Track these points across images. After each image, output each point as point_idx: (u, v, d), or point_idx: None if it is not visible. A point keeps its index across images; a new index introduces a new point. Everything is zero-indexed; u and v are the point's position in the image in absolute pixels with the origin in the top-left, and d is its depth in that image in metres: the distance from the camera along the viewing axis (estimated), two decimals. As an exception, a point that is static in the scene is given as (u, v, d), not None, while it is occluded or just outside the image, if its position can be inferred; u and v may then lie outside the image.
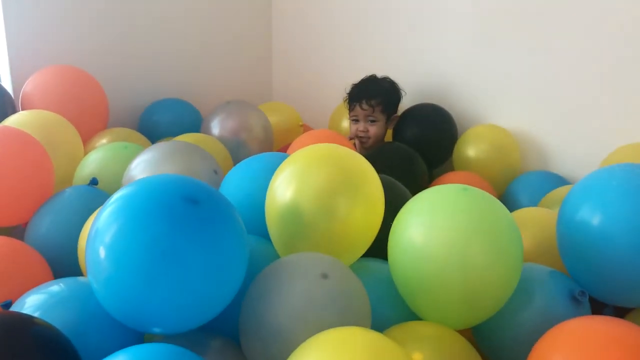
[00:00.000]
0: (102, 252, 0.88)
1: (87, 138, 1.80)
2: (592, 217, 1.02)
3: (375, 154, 1.72)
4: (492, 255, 0.96)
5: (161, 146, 1.43)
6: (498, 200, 1.03)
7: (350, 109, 1.96)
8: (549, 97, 1.81)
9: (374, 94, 1.91)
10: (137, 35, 2.19)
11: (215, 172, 1.41)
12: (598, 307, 1.09)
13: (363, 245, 1.11)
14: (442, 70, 2.08)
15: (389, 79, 1.99)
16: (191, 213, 0.88)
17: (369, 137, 1.92)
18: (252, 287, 0.98)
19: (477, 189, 1.02)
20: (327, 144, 1.14)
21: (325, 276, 0.93)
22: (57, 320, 0.93)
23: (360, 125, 1.93)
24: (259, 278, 0.98)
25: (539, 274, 1.08)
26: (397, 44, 2.19)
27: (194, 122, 2.13)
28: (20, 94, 1.80)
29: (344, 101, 1.99)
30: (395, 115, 1.97)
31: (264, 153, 1.42)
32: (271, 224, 1.10)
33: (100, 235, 0.88)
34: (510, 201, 1.76)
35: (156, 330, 0.94)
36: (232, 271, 0.93)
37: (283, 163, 1.11)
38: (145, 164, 1.36)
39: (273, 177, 1.11)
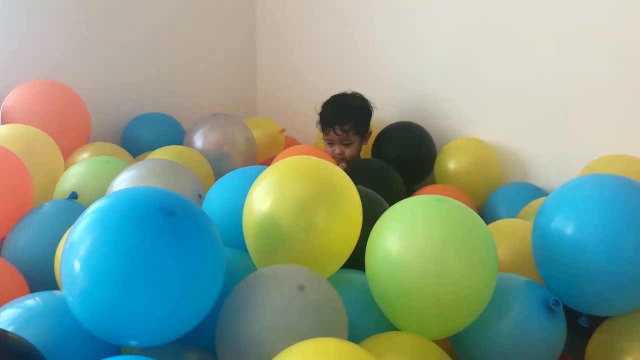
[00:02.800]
0: (76, 265, 0.87)
1: (69, 153, 1.79)
2: (565, 226, 1.04)
3: (349, 171, 1.73)
4: (467, 265, 0.97)
5: (147, 163, 1.43)
6: (473, 211, 1.04)
7: (325, 133, 1.95)
8: (527, 109, 1.84)
9: (346, 118, 1.91)
10: (119, 49, 2.20)
11: (200, 196, 1.40)
12: (573, 316, 1.10)
13: (341, 257, 1.11)
14: (420, 86, 2.11)
15: (359, 95, 1.99)
16: (167, 225, 0.88)
17: (344, 158, 1.93)
18: (229, 299, 0.98)
19: (452, 199, 1.03)
20: (304, 156, 1.15)
21: (301, 288, 0.93)
22: (31, 334, 0.92)
23: (336, 148, 1.93)
24: (235, 290, 0.98)
25: (514, 284, 1.09)
26: (377, 62, 2.22)
27: (177, 136, 2.13)
28: (1, 108, 1.79)
29: (317, 124, 1.98)
30: (369, 131, 1.97)
31: (247, 167, 1.42)
32: (248, 236, 1.10)
33: (74, 248, 0.88)
34: (490, 213, 1.77)
35: (132, 343, 0.94)
36: (209, 283, 0.93)
37: (261, 175, 1.12)
38: (129, 181, 1.35)
39: (250, 189, 1.11)
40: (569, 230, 1.03)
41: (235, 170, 1.37)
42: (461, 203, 1.03)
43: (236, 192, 1.25)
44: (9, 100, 1.79)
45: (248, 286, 0.97)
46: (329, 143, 1.96)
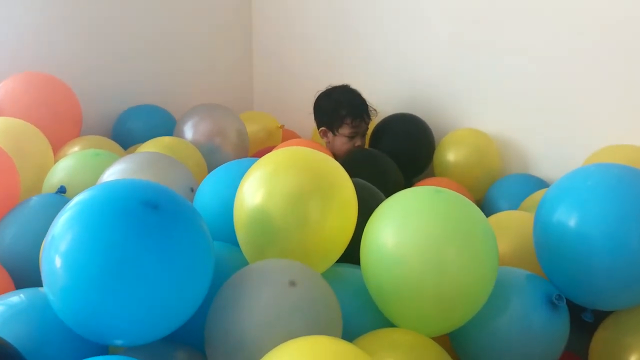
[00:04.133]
0: (57, 261, 0.84)
1: (60, 146, 1.76)
2: (568, 218, 1.00)
3: (344, 161, 1.69)
4: (466, 259, 0.93)
5: (138, 157, 1.39)
6: (472, 203, 1.00)
7: (353, 125, 1.83)
8: (528, 99, 1.80)
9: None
10: (112, 41, 2.15)
11: (192, 189, 1.36)
12: (576, 311, 1.06)
13: (336, 251, 1.08)
14: (419, 77, 2.07)
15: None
16: (150, 218, 0.84)
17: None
18: (218, 295, 0.94)
19: (450, 191, 1.00)
20: (297, 147, 1.11)
21: (293, 283, 0.89)
22: (14, 332, 0.89)
23: (358, 140, 1.85)
24: (225, 286, 0.95)
25: (516, 278, 1.05)
26: (375, 52, 2.18)
27: (170, 129, 2.07)
28: (-9, 101, 1.76)
29: (332, 118, 1.87)
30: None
31: (240, 159, 1.38)
32: (239, 230, 1.06)
33: (55, 243, 0.85)
34: (490, 205, 1.74)
35: (118, 342, 0.90)
36: (196, 279, 0.89)
37: (252, 167, 1.08)
38: (119, 175, 1.32)
39: (242, 182, 1.07)
40: (572, 221, 0.99)
41: (228, 162, 1.33)
42: (460, 195, 0.99)
43: (229, 185, 1.21)
44: (-1, 92, 1.75)
45: (238, 282, 0.93)
46: (350, 136, 1.84)
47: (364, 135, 1.88)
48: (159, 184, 0.92)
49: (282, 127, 2.21)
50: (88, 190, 0.90)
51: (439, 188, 1.00)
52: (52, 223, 0.88)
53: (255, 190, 1.03)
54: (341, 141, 1.86)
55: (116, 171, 1.32)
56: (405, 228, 0.96)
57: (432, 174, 1.97)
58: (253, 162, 1.24)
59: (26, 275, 1.22)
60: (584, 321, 1.05)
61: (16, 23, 1.90)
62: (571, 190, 1.03)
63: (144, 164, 1.34)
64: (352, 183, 1.08)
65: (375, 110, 1.93)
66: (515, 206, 1.61)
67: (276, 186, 1.02)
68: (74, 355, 0.91)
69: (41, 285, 1.10)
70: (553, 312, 1.01)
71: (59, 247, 0.84)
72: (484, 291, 0.97)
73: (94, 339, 0.89)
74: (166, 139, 1.74)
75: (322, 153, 1.10)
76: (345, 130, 1.84)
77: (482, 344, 1.02)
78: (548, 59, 1.72)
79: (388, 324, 1.02)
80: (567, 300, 1.04)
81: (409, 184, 1.83)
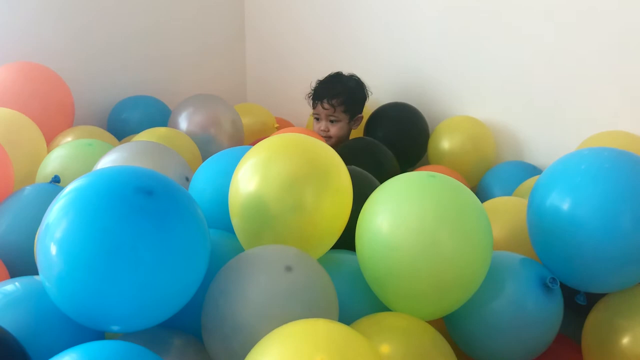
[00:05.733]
0: (52, 248, 0.83)
1: (52, 136, 1.75)
2: (561, 201, 1.00)
3: (340, 149, 1.69)
4: (460, 243, 0.94)
5: (131, 145, 1.38)
6: (466, 187, 1.00)
7: (313, 107, 1.93)
8: (522, 86, 1.80)
9: (336, 92, 1.87)
10: (106, 31, 2.13)
11: (187, 178, 1.36)
12: (570, 294, 1.07)
13: (331, 237, 1.08)
14: (412, 64, 2.06)
15: (356, 77, 1.95)
16: (144, 205, 0.84)
17: (330, 137, 1.89)
18: (214, 281, 0.94)
19: (444, 175, 1.00)
20: (292, 133, 1.11)
21: (289, 269, 0.89)
22: (10, 320, 0.89)
23: (322, 124, 1.90)
24: (221, 272, 0.95)
25: (510, 262, 1.06)
26: (369, 42, 2.18)
27: (165, 120, 2.07)
28: (-19, 91, 1.74)
29: (307, 97, 1.95)
30: (359, 115, 1.92)
31: (235, 147, 1.38)
32: (234, 217, 1.06)
33: (50, 230, 0.84)
34: (485, 192, 1.74)
35: (114, 328, 0.90)
36: (191, 265, 0.89)
37: (247, 153, 1.08)
38: (113, 163, 1.31)
39: (236, 169, 1.07)
40: (565, 205, 1.00)
41: (222, 150, 1.33)
42: (453, 179, 1.00)
43: (223, 173, 1.21)
44: (-10, 83, 1.73)
45: (233, 268, 0.93)
46: (316, 118, 1.92)
47: (337, 122, 1.88)
48: (153, 171, 0.92)
49: (277, 127, 2.20)
50: (82, 178, 0.89)
51: (432, 173, 1.00)
52: (47, 211, 0.88)
53: (250, 176, 1.03)
54: (313, 123, 1.95)
55: (110, 160, 1.31)
56: (399, 213, 0.96)
57: (427, 163, 1.97)
58: (247, 150, 1.24)
59: (21, 265, 1.22)
60: (578, 304, 1.06)
61: (8, 12, 1.88)
62: (564, 173, 1.03)
63: (138, 153, 1.33)
64: (347, 168, 1.08)
65: (366, 93, 1.94)
66: (509, 193, 1.62)
67: (271, 172, 1.02)
68: (71, 342, 0.91)
69: (36, 274, 1.11)
70: (547, 295, 1.02)
71: (53, 234, 0.83)
72: (478, 275, 0.97)
73: (90, 325, 0.89)
74: (161, 130, 1.73)
75: (316, 139, 1.10)
76: (313, 110, 1.93)
77: (477, 327, 1.03)
78: (541, 46, 1.72)
79: (383, 308, 1.03)
80: (560, 283, 1.04)
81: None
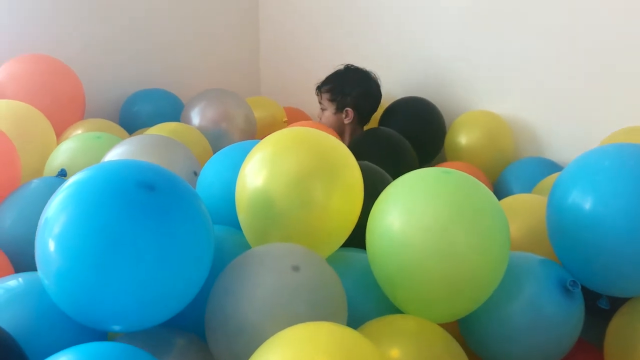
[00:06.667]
0: (50, 244, 0.81)
1: (63, 129, 1.73)
2: (583, 200, 0.95)
3: (357, 141, 1.65)
4: (475, 242, 0.89)
5: (139, 139, 1.36)
6: (482, 184, 0.96)
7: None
8: (542, 80, 1.74)
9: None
10: (119, 24, 2.12)
11: (195, 173, 1.33)
12: (592, 298, 1.02)
13: (341, 235, 1.04)
14: (428, 58, 2.01)
15: (365, 72, 1.90)
16: (146, 200, 0.81)
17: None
18: (219, 280, 0.91)
19: (459, 171, 0.95)
20: (301, 127, 1.07)
21: (296, 268, 0.86)
22: (10, 317, 0.87)
23: (323, 116, 1.91)
24: (226, 271, 0.92)
25: (528, 263, 1.01)
26: (384, 35, 2.13)
27: (178, 113, 2.05)
28: (-7, 84, 1.74)
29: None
30: (348, 109, 1.85)
31: (244, 141, 1.35)
32: (241, 213, 1.03)
33: (49, 225, 0.82)
34: (503, 189, 1.70)
35: (115, 328, 0.88)
36: (194, 263, 0.86)
37: (254, 148, 1.04)
38: (120, 157, 1.28)
39: (243, 163, 1.04)
40: (587, 203, 0.95)
41: (232, 144, 1.30)
42: (469, 175, 0.95)
43: (232, 167, 1.18)
44: (0, 75, 1.72)
45: (239, 266, 0.90)
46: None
47: (324, 111, 1.88)
48: (156, 165, 0.89)
49: (286, 122, 2.17)
50: (83, 171, 0.87)
51: (447, 169, 0.96)
52: (46, 205, 0.85)
53: (257, 172, 1.00)
54: None
55: (117, 153, 1.29)
56: (412, 210, 0.92)
57: (444, 159, 1.92)
58: (256, 144, 1.21)
59: (26, 260, 1.19)
60: (599, 308, 1.01)
61: (20, 4, 1.87)
62: (587, 170, 0.98)
63: (146, 147, 1.30)
64: (357, 164, 1.04)
65: (370, 90, 1.89)
66: (528, 190, 1.57)
67: (278, 167, 0.99)
68: (72, 341, 0.88)
69: (40, 269, 1.09)
70: (567, 298, 0.97)
71: (52, 229, 0.81)
72: (494, 276, 0.93)
73: (90, 324, 0.86)
74: (172, 125, 1.71)
75: (325, 133, 1.06)
76: None
77: (492, 331, 0.98)
78: (564, 38, 1.67)
79: (394, 310, 0.99)
80: (581, 286, 1.00)
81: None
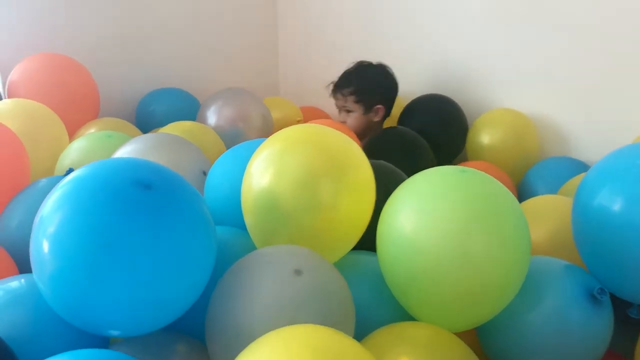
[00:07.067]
0: (44, 245, 0.78)
1: (76, 128, 1.72)
2: (612, 202, 0.88)
3: (374, 141, 1.60)
4: (494, 246, 0.83)
5: (147, 137, 1.33)
6: (501, 184, 0.90)
7: (334, 99, 1.89)
8: (569, 77, 1.66)
9: (346, 84, 1.82)
10: (135, 23, 2.11)
11: (204, 172, 1.30)
12: (621, 306, 0.95)
13: (351, 237, 0.99)
14: (450, 53, 1.95)
15: (380, 66, 1.85)
16: (142, 199, 0.77)
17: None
18: (220, 283, 0.87)
19: (476, 170, 0.89)
20: (309, 124, 1.02)
21: (298, 272, 0.81)
22: (9, 319, 0.85)
23: (341, 116, 1.85)
24: (227, 274, 0.87)
25: (552, 269, 0.95)
26: (404, 31, 2.07)
27: (193, 112, 2.02)
28: (7, 83, 1.73)
29: (327, 88, 1.90)
30: (379, 106, 1.81)
31: (254, 139, 1.31)
32: (247, 214, 0.98)
33: (43, 225, 0.79)
34: (527, 190, 1.63)
35: (113, 332, 0.84)
36: (194, 266, 0.81)
37: (261, 146, 1.00)
38: (126, 156, 1.26)
39: (249, 162, 1.00)
40: (616, 205, 0.88)
41: (241, 143, 1.26)
42: (486, 174, 0.89)
43: (241, 166, 1.14)
44: (15, 73, 1.72)
45: (239, 270, 0.85)
46: (338, 109, 1.89)
47: (351, 114, 1.82)
48: (155, 163, 0.85)
49: (300, 121, 2.13)
50: (80, 169, 0.84)
51: (464, 167, 0.90)
52: (41, 204, 0.82)
53: (263, 171, 0.95)
54: None
55: (125, 152, 1.26)
56: (426, 212, 0.86)
57: (465, 159, 1.86)
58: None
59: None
60: (629, 317, 0.94)
61: (33, 3, 1.87)
62: (616, 170, 0.92)
63: (154, 145, 1.27)
64: (369, 163, 0.99)
65: (391, 82, 1.84)
66: (554, 191, 1.50)
67: (285, 166, 0.94)
68: (71, 345, 0.85)
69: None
70: (594, 307, 0.91)
71: (46, 230, 0.78)
72: (514, 282, 0.86)
73: (86, 329, 0.83)
74: (187, 124, 1.68)
75: (336, 130, 1.01)
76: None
77: (514, 342, 0.92)
78: (590, 34, 1.59)
79: (407, 317, 0.93)
80: (610, 294, 0.93)
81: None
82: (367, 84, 1.81)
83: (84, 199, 0.77)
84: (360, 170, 0.97)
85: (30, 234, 1.20)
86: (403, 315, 0.93)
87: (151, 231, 0.77)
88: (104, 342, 0.92)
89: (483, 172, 0.89)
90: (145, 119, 2.00)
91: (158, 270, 0.77)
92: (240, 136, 1.84)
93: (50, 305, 0.82)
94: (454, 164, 1.80)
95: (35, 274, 0.81)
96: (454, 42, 1.92)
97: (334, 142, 0.98)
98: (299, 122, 2.10)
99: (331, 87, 1.87)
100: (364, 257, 1.03)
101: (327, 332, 0.65)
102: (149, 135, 1.36)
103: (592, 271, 0.96)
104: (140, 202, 0.77)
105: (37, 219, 0.81)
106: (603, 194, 0.90)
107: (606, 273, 0.93)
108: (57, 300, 0.80)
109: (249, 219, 0.99)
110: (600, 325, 0.92)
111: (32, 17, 1.87)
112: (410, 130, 1.65)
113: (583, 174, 1.42)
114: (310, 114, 2.20)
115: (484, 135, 1.76)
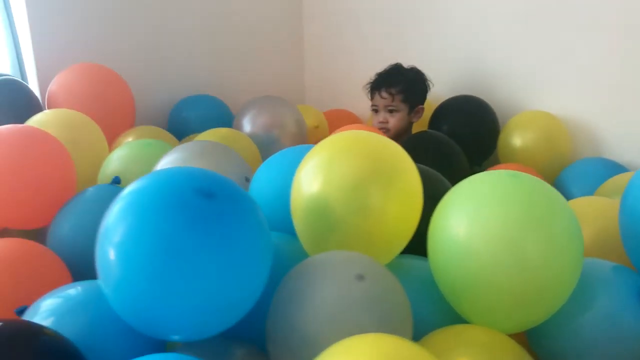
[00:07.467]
0: (110, 253, 0.80)
1: (114, 137, 1.75)
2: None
3: (403, 144, 1.61)
4: (548, 250, 0.84)
5: (190, 145, 1.36)
6: (552, 187, 0.91)
7: (371, 98, 1.87)
8: (602, 77, 1.66)
9: (394, 82, 1.81)
10: (168, 32, 2.15)
11: (247, 179, 1.32)
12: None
13: (400, 242, 1.00)
14: (481, 55, 1.95)
15: (416, 69, 1.87)
16: (205, 208, 0.79)
17: (388, 129, 1.81)
18: (279, 289, 0.89)
19: (527, 174, 0.90)
20: (357, 130, 1.04)
21: (360, 277, 0.82)
22: (72, 326, 0.87)
23: (380, 116, 1.83)
24: (286, 279, 0.89)
25: (602, 270, 0.95)
26: (432, 32, 2.08)
27: (225, 119, 2.06)
28: (47, 93, 1.77)
29: (365, 87, 1.90)
30: (420, 107, 1.84)
31: (297, 146, 1.33)
32: (297, 220, 1.00)
33: (108, 234, 0.81)
34: (562, 192, 1.60)
35: (174, 337, 0.87)
36: (253, 271, 0.84)
37: (309, 152, 1.02)
38: (173, 163, 1.29)
39: (298, 169, 1.01)
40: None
41: (284, 149, 1.28)
42: (539, 179, 0.90)
43: (285, 173, 1.16)
44: (54, 85, 1.76)
45: (300, 275, 0.87)
46: (374, 110, 1.87)
47: (395, 113, 1.82)
48: (214, 172, 0.88)
49: (317, 127, 2.14)
50: (141, 179, 0.86)
51: (514, 172, 0.91)
52: (106, 213, 0.85)
53: (313, 177, 0.97)
54: (372, 117, 1.90)
55: (170, 160, 1.29)
56: (478, 216, 0.87)
57: (497, 161, 1.86)
58: (309, 149, 1.18)
59: (84, 268, 1.20)
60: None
61: (70, 15, 1.91)
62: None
63: (198, 153, 1.30)
64: (416, 168, 1.01)
65: (427, 84, 1.86)
66: (589, 192, 1.50)
67: (334, 173, 0.96)
68: (130, 351, 0.88)
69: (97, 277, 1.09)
70: (646, 307, 0.91)
71: (112, 238, 0.80)
72: (567, 285, 0.87)
73: (150, 333, 0.85)
74: (223, 130, 1.72)
75: (382, 136, 1.03)
76: (371, 102, 1.88)
77: (564, 343, 0.92)
78: (625, 34, 1.59)
79: (458, 319, 0.94)
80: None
81: (471, 172, 1.73)
82: (413, 84, 1.83)
83: (148, 208, 0.80)
84: (408, 175, 0.99)
85: (82, 241, 1.25)
86: (454, 318, 0.94)
87: (214, 239, 0.79)
88: (161, 347, 0.95)
89: (535, 177, 0.90)
90: (178, 126, 2.03)
91: (220, 277, 0.80)
92: (275, 142, 1.87)
93: (115, 310, 0.84)
94: (485, 166, 1.82)
95: (101, 280, 0.84)
96: (486, 45, 1.93)
97: (382, 147, 1.00)
98: (316, 128, 2.12)
99: (368, 87, 1.88)
100: (412, 261, 1.04)
101: (395, 341, 0.67)
102: (191, 143, 1.38)
103: (641, 272, 0.97)
104: (203, 211, 0.79)
105: (102, 228, 0.84)
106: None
107: (657, 274, 0.94)
108: (123, 305, 0.82)
109: (299, 225, 1.00)
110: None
111: (69, 30, 1.91)
112: (443, 135, 1.66)
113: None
114: (339, 117, 2.22)
115: (516, 138, 1.76)
